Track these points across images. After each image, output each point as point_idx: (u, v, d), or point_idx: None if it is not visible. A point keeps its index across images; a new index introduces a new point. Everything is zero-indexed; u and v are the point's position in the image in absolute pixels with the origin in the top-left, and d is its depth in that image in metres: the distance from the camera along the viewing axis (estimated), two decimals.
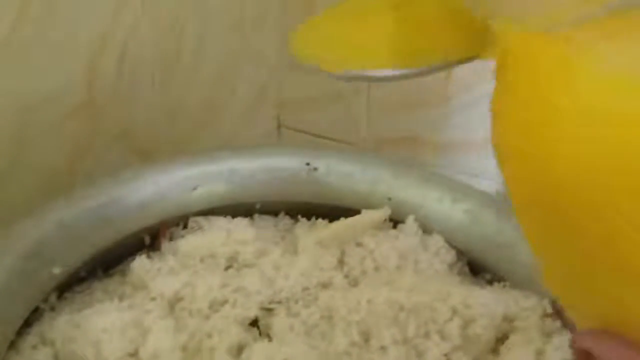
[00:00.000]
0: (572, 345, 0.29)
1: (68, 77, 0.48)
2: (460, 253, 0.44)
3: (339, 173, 0.47)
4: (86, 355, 0.36)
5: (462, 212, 0.44)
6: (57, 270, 0.38)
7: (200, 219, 0.45)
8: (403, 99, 0.64)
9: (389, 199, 0.46)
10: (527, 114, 0.24)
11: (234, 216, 0.46)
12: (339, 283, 0.42)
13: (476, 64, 0.59)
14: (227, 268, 0.43)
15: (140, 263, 0.41)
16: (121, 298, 0.40)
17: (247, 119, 0.67)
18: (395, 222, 0.46)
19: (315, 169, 0.47)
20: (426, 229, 0.45)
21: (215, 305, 0.40)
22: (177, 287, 0.40)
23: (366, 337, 0.38)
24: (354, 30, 0.33)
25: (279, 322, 0.39)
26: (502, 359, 0.37)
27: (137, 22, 0.51)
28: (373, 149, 0.66)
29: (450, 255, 0.44)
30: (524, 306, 0.39)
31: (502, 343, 0.38)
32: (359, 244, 0.44)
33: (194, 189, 0.45)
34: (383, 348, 0.38)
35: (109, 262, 0.43)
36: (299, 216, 0.47)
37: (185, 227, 0.45)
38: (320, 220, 0.47)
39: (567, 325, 0.36)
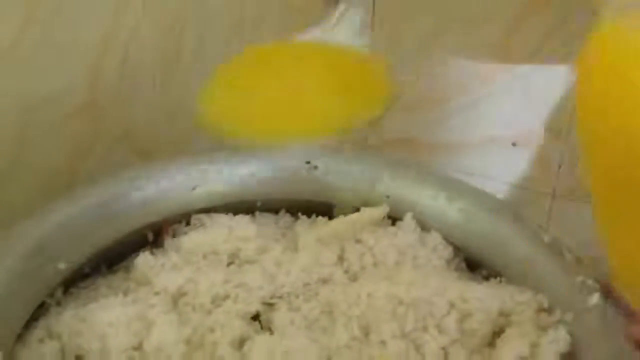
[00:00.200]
0: (629, 333, 0.29)
1: (70, 78, 0.49)
2: (457, 249, 0.45)
3: (338, 171, 0.48)
4: (92, 348, 0.37)
5: (458, 209, 0.45)
6: (62, 266, 0.39)
7: (202, 216, 0.46)
8: (401, 100, 0.65)
9: (388, 197, 0.47)
10: (608, 89, 0.25)
11: (235, 214, 0.47)
12: (338, 278, 0.43)
13: (474, 67, 0.60)
14: (229, 264, 0.44)
15: (143, 259, 0.42)
16: (125, 293, 0.40)
17: None
18: (393, 219, 0.47)
19: (315, 167, 0.48)
20: (424, 226, 0.46)
21: (218, 300, 0.41)
22: (180, 282, 0.41)
23: (366, 331, 0.39)
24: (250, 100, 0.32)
25: (280, 316, 0.40)
26: (498, 352, 0.37)
27: (138, 24, 0.52)
28: (372, 150, 0.67)
29: (447, 252, 0.45)
30: (519, 301, 0.40)
31: (499, 336, 0.39)
32: (358, 241, 0.45)
33: (196, 187, 0.46)
34: (382, 342, 0.38)
35: (113, 259, 0.44)
36: (299, 214, 0.48)
37: (187, 224, 0.46)
38: (320, 217, 0.48)
39: (619, 307, 0.36)
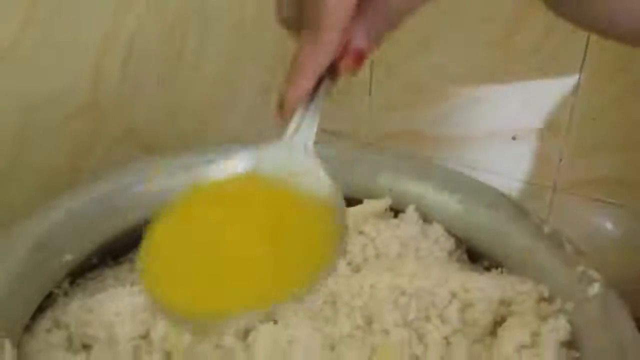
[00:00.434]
0: None
1: (72, 77, 0.49)
2: (459, 241, 0.46)
3: (340, 164, 0.48)
4: (99, 337, 0.37)
5: (460, 202, 0.46)
6: (68, 258, 0.40)
7: None
8: (404, 94, 0.66)
9: (390, 189, 0.47)
10: None
11: None
12: (341, 270, 0.43)
13: (478, 63, 0.60)
14: None
15: None
16: (132, 284, 0.41)
17: (250, 117, 0.68)
18: (396, 211, 0.47)
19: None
20: (426, 218, 0.46)
21: None
22: None
23: (369, 321, 0.40)
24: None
25: (284, 306, 0.40)
26: (500, 341, 0.38)
27: (140, 23, 0.52)
28: (375, 143, 0.68)
29: (449, 243, 0.45)
30: (520, 290, 0.40)
31: (500, 326, 0.39)
32: (361, 232, 0.45)
33: (200, 179, 0.46)
34: (385, 331, 0.39)
35: (118, 251, 0.45)
36: None
37: None
38: None
39: None
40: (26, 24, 0.44)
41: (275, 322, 0.40)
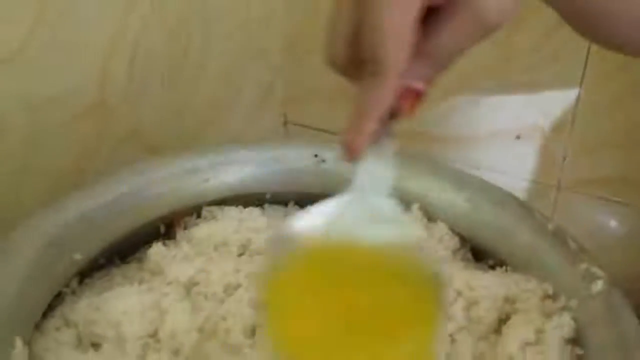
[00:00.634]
0: None
1: (79, 78, 0.49)
2: (464, 240, 0.46)
3: (346, 164, 0.48)
4: (107, 335, 0.38)
5: (464, 200, 0.46)
6: (77, 257, 0.40)
7: (213, 208, 0.47)
8: None
9: (394, 188, 0.47)
10: None
11: (245, 206, 0.48)
12: None
13: (480, 63, 0.61)
14: (239, 255, 0.45)
15: (156, 250, 0.43)
16: (139, 283, 0.41)
17: (254, 116, 0.69)
18: None
19: (324, 160, 0.49)
20: (430, 217, 0.46)
21: (230, 289, 0.42)
22: (192, 272, 0.42)
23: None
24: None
25: None
26: (504, 338, 0.38)
27: (146, 24, 0.53)
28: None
29: (453, 242, 0.45)
30: (525, 288, 0.40)
31: (504, 323, 0.40)
32: None
33: (207, 180, 0.47)
34: None
35: (126, 250, 0.45)
36: (309, 206, 0.49)
37: (199, 216, 0.47)
38: None
39: None
40: (34, 26, 0.45)
41: None
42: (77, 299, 0.40)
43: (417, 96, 0.30)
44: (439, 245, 0.45)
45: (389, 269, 0.30)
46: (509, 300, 0.40)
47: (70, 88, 0.49)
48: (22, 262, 0.37)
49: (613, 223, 0.63)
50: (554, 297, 0.40)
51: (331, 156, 0.49)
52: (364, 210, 0.30)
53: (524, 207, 0.44)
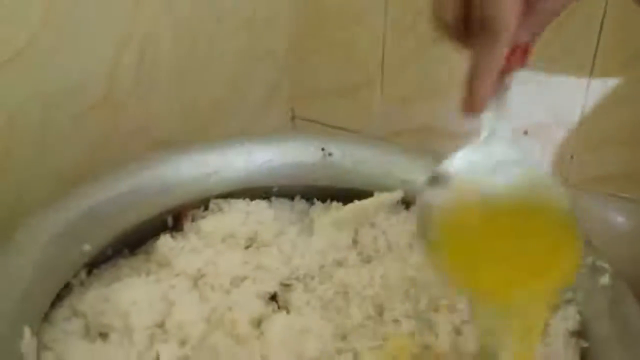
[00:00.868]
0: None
1: (88, 75, 0.50)
2: None
3: (353, 158, 0.49)
4: (115, 326, 0.38)
5: None
6: (86, 248, 0.41)
7: (220, 201, 0.47)
8: (416, 90, 0.66)
9: (402, 181, 0.48)
10: None
11: (252, 199, 0.48)
12: (353, 261, 0.44)
13: None
14: (246, 247, 0.45)
15: (164, 242, 0.44)
16: (147, 274, 0.42)
17: (261, 112, 0.69)
18: (407, 204, 0.47)
19: (330, 154, 0.49)
20: None
21: (236, 281, 0.42)
22: (199, 264, 0.42)
23: (380, 311, 0.40)
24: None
25: (296, 296, 0.41)
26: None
27: (155, 22, 0.53)
28: (386, 139, 0.68)
29: None
30: None
31: None
32: (372, 225, 0.46)
33: (214, 173, 0.47)
34: (396, 321, 0.40)
35: (134, 243, 0.45)
36: (315, 199, 0.49)
37: (206, 209, 0.47)
38: (335, 202, 0.49)
39: None
40: (43, 23, 0.45)
41: (288, 311, 0.41)
42: (86, 290, 0.41)
43: (527, 52, 0.32)
44: None
45: (528, 205, 0.33)
46: None
47: (80, 84, 0.49)
48: (31, 253, 0.37)
49: (620, 219, 0.63)
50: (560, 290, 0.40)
51: (338, 149, 0.49)
52: (493, 156, 0.33)
53: None
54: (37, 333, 0.36)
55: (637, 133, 0.59)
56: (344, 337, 0.39)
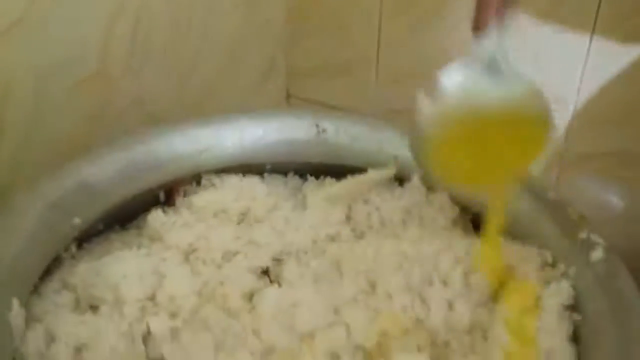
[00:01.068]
0: None
1: (82, 47, 0.49)
2: (464, 209, 0.46)
3: (347, 134, 0.48)
4: (106, 299, 0.38)
5: None
6: (76, 221, 0.40)
7: (213, 177, 0.47)
8: (411, 68, 0.66)
9: (395, 157, 0.47)
10: None
11: (245, 176, 0.48)
12: (346, 236, 0.44)
13: None
14: (239, 222, 0.45)
15: (156, 216, 0.43)
16: (138, 248, 0.41)
17: (257, 89, 0.69)
18: (401, 180, 0.47)
19: (324, 130, 0.48)
20: (431, 187, 0.46)
21: (228, 256, 0.42)
22: (191, 239, 0.42)
23: (373, 285, 0.40)
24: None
25: (288, 270, 0.41)
26: (502, 305, 0.38)
27: None
28: (381, 118, 0.68)
29: (453, 211, 0.45)
30: (524, 256, 0.40)
31: (503, 290, 0.39)
32: (365, 201, 0.46)
33: (207, 148, 0.47)
34: (389, 295, 0.39)
35: (126, 217, 0.45)
36: (308, 176, 0.49)
37: (198, 184, 0.47)
38: (328, 179, 0.48)
39: None
40: None
41: (280, 285, 0.40)
42: (76, 263, 0.40)
43: None
44: (439, 214, 0.45)
45: (513, 114, 0.37)
46: (508, 267, 0.40)
47: (73, 57, 0.49)
48: (20, 225, 0.37)
49: (615, 197, 0.63)
50: (552, 264, 0.40)
51: (332, 126, 0.48)
52: (490, 71, 0.36)
53: None
54: (26, 305, 0.36)
55: (632, 112, 0.59)
56: (336, 311, 0.39)
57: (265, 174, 0.49)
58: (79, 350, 0.36)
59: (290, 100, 0.72)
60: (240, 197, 0.45)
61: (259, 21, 0.66)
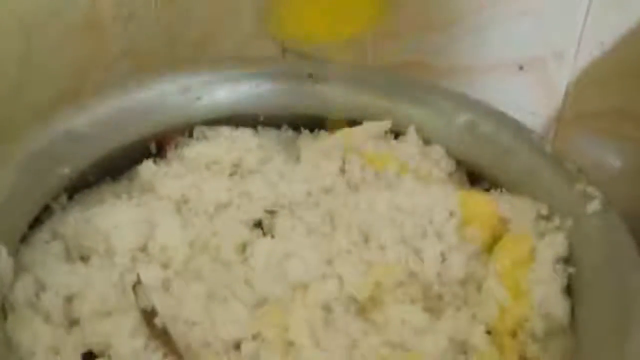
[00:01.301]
0: None
1: None
2: (459, 163, 0.45)
3: (342, 85, 0.47)
4: (97, 249, 0.38)
5: (461, 122, 0.45)
6: (66, 170, 0.40)
7: (205, 128, 0.46)
8: (410, 22, 0.64)
9: (391, 110, 0.46)
10: None
11: (237, 127, 0.47)
12: (340, 188, 0.43)
13: None
14: (231, 174, 0.44)
15: (147, 167, 0.43)
16: (129, 199, 0.41)
17: (252, 43, 0.67)
18: (397, 133, 0.46)
19: (318, 80, 0.47)
20: (427, 140, 0.46)
21: (221, 207, 0.41)
22: (183, 190, 0.42)
23: (366, 238, 0.40)
24: None
25: (281, 223, 0.41)
26: (495, 257, 0.38)
27: None
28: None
29: (449, 165, 0.45)
30: (519, 208, 0.40)
31: (497, 243, 0.39)
32: (360, 153, 0.45)
33: (199, 98, 0.46)
34: (382, 247, 0.39)
35: (117, 169, 0.44)
36: (302, 128, 0.48)
37: (190, 136, 0.46)
38: (322, 131, 0.48)
39: None
40: None
41: (273, 237, 0.40)
42: (67, 214, 0.40)
43: None
44: (435, 167, 0.44)
45: None
46: (502, 220, 0.40)
47: (62, 7, 0.48)
48: (6, 173, 0.37)
49: (616, 156, 0.62)
50: (548, 217, 0.39)
51: (326, 77, 0.47)
52: None
53: (522, 129, 0.44)
54: (15, 254, 0.35)
55: (635, 68, 0.58)
56: (329, 263, 0.39)
57: (259, 127, 0.48)
58: (69, 299, 0.36)
59: (286, 55, 0.70)
60: (232, 149, 0.44)
61: None
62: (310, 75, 0.47)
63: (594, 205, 0.37)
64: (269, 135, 0.47)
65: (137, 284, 0.35)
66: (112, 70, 0.52)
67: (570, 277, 0.37)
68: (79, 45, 0.50)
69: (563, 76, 0.61)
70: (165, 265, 0.38)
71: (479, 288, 0.38)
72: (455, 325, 0.36)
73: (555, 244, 0.37)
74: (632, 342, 0.31)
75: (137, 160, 0.44)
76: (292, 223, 0.40)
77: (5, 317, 0.33)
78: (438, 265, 0.38)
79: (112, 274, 0.36)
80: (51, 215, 0.40)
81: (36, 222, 0.39)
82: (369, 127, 0.46)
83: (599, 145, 0.62)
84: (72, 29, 0.49)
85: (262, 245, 0.39)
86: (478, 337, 0.35)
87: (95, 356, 0.33)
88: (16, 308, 0.34)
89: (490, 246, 0.39)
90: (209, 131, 0.46)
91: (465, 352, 0.35)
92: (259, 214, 0.41)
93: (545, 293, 0.35)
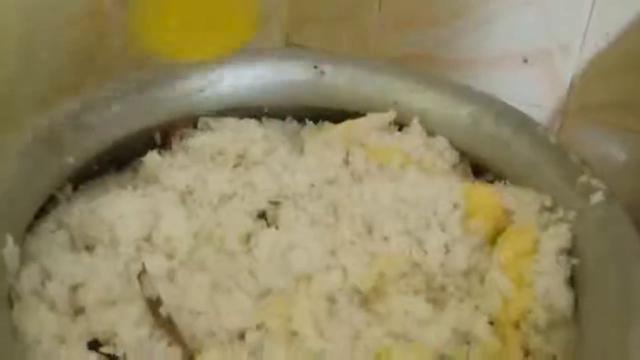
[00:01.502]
0: None
1: None
2: (463, 155, 0.45)
3: (346, 77, 0.47)
4: (101, 239, 0.38)
5: (466, 114, 0.45)
6: (70, 160, 0.40)
7: (209, 119, 0.46)
8: (414, 15, 0.64)
9: (395, 102, 0.46)
10: None
11: (242, 119, 0.47)
12: (343, 180, 0.43)
13: None
14: (236, 165, 0.44)
15: (151, 158, 0.43)
16: (134, 189, 0.41)
17: (256, 35, 0.67)
18: (400, 125, 0.47)
19: (323, 72, 0.47)
20: (431, 131, 0.46)
21: (225, 198, 0.41)
22: (187, 180, 0.42)
23: (369, 229, 0.40)
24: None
25: (285, 214, 0.41)
26: (499, 248, 0.38)
27: None
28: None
29: (453, 156, 0.45)
30: (523, 200, 0.40)
31: (500, 235, 0.39)
32: (364, 145, 0.45)
33: (203, 90, 0.46)
34: (385, 238, 0.39)
35: (121, 159, 0.44)
36: (306, 119, 0.48)
37: (195, 127, 0.46)
38: (327, 123, 0.48)
39: None
40: None
41: (277, 228, 0.40)
42: (72, 204, 0.40)
43: None
44: (439, 159, 0.44)
45: None
46: (506, 212, 0.40)
47: None
48: (12, 162, 0.37)
49: (620, 150, 0.62)
50: (552, 209, 0.39)
51: (331, 68, 0.47)
52: None
53: (527, 120, 0.43)
54: (21, 244, 0.36)
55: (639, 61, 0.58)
56: (333, 254, 0.39)
57: (263, 119, 0.48)
58: (74, 288, 0.36)
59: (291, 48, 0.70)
60: (237, 140, 0.45)
61: None
62: (315, 67, 0.47)
63: (597, 197, 0.37)
64: (274, 126, 0.48)
65: (142, 273, 0.35)
66: (114, 61, 0.52)
67: (573, 269, 0.37)
68: (80, 37, 0.50)
69: (568, 69, 0.60)
70: (169, 256, 0.38)
71: (482, 279, 0.38)
72: (458, 316, 0.36)
73: (558, 236, 0.37)
74: (635, 333, 0.31)
75: (142, 151, 0.44)
76: (296, 214, 0.40)
77: (11, 306, 0.33)
78: (441, 256, 0.39)
79: (117, 263, 0.37)
80: (56, 205, 0.40)
81: (42, 212, 0.39)
82: (372, 119, 0.46)
83: (603, 137, 0.62)
84: (73, 20, 0.49)
85: (266, 236, 0.39)
86: (481, 328, 0.35)
87: (101, 345, 0.34)
88: (22, 297, 0.34)
89: (494, 238, 0.39)
90: (213, 122, 0.46)
91: (468, 343, 0.35)
92: (263, 205, 0.41)
93: (548, 284, 0.36)
